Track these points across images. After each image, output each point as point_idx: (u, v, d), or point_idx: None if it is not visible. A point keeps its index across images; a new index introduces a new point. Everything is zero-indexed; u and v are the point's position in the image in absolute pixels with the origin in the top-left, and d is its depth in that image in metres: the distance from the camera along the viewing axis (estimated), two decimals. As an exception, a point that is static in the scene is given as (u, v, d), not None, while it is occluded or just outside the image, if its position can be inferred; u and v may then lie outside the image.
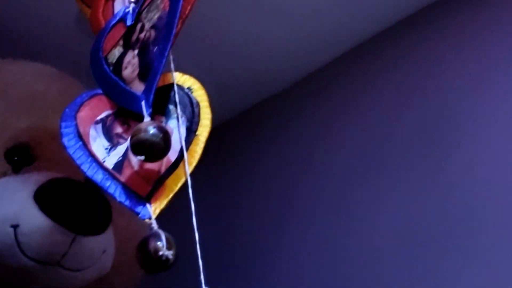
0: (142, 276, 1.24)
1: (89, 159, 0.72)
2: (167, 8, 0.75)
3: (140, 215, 0.68)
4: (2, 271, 1.04)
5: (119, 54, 0.79)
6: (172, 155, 0.70)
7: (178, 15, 0.72)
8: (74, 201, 0.97)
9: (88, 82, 0.87)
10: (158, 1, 0.77)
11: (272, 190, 1.65)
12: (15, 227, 0.98)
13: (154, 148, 0.66)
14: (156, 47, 0.74)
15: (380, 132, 1.47)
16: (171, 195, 0.69)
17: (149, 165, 0.71)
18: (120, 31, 0.82)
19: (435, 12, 1.46)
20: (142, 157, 0.67)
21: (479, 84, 1.34)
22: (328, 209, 1.52)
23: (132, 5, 0.83)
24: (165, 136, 0.67)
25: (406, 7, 1.50)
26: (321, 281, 1.49)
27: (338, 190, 1.52)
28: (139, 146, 0.66)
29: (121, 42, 0.80)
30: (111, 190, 0.71)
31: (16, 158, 1.06)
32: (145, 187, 0.69)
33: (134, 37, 0.78)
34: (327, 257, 1.49)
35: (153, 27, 0.76)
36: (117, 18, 0.85)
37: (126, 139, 0.74)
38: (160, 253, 0.62)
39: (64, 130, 0.74)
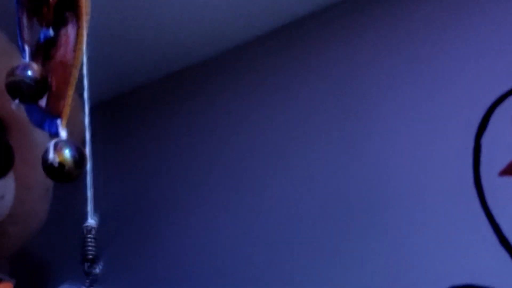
0: (37, 231, 1.21)
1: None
2: None
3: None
4: None
5: None
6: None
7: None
8: None
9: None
10: None
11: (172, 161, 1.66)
12: None
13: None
14: None
15: (295, 112, 1.48)
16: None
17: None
18: None
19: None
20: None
21: (399, 76, 1.35)
22: (229, 177, 1.54)
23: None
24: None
25: None
26: (217, 249, 1.51)
27: (240, 159, 1.53)
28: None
29: None
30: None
31: None
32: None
33: None
34: (224, 224, 1.51)
35: None
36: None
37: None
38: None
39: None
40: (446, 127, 1.25)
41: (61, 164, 0.58)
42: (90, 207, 0.64)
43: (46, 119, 0.65)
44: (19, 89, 0.62)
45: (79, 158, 0.60)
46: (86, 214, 0.66)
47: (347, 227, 1.32)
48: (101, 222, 1.44)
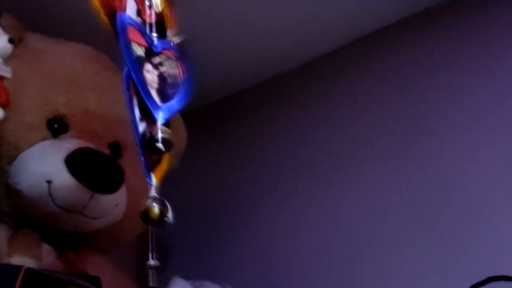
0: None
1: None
2: (181, 76, 0.84)
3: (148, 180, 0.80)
4: (38, 214, 1.21)
5: (141, 54, 0.82)
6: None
7: (187, 94, 0.81)
8: (93, 166, 1.16)
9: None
10: (173, 63, 0.84)
11: (261, 165, 1.69)
12: (49, 182, 1.16)
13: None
14: (173, 93, 0.82)
15: (367, 120, 1.53)
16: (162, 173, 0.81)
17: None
18: (140, 38, 0.84)
19: (430, 16, 1.50)
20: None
21: (461, 85, 1.40)
22: (311, 186, 1.57)
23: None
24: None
25: (405, 8, 1.52)
26: (299, 255, 1.54)
27: (323, 169, 1.57)
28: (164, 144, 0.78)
29: (143, 49, 0.83)
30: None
31: (55, 126, 1.23)
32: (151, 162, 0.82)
33: (155, 61, 0.84)
34: (307, 232, 1.54)
35: (170, 75, 0.83)
36: (138, 26, 0.85)
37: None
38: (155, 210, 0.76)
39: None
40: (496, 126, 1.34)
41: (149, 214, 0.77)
42: (152, 247, 0.79)
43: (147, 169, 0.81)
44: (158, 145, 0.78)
45: (162, 215, 0.77)
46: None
47: (414, 225, 1.39)
48: (191, 222, 1.52)
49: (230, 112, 1.81)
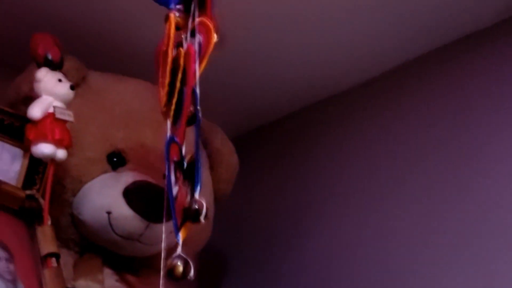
0: (207, 239, 1.45)
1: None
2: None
3: (176, 236, 0.82)
4: (100, 241, 1.29)
5: None
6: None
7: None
8: (148, 198, 1.23)
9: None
10: None
11: (310, 190, 1.70)
12: (109, 213, 1.24)
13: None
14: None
15: (415, 144, 1.53)
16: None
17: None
18: None
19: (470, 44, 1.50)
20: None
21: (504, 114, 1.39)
22: (363, 206, 1.58)
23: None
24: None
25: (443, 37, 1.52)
26: (352, 274, 1.54)
27: (374, 190, 1.57)
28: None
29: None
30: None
31: (114, 159, 1.31)
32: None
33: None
34: (358, 251, 1.55)
35: None
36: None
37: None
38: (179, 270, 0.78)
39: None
40: None
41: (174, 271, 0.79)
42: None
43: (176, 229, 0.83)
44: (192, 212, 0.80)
45: (185, 273, 0.79)
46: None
47: (461, 247, 1.38)
48: (246, 243, 1.57)
49: (281, 134, 1.84)
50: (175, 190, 0.82)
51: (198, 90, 0.81)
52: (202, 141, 1.49)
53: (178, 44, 0.86)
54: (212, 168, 1.50)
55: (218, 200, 1.51)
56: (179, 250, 0.79)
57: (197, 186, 0.78)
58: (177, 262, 0.78)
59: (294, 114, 1.82)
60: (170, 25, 0.85)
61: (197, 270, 1.59)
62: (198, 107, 0.82)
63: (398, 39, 1.55)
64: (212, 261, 1.78)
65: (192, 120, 0.83)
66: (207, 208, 0.77)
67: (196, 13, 0.86)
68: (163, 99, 0.84)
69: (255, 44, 1.56)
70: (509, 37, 1.45)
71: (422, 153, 1.52)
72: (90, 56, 1.44)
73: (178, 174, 0.82)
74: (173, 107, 0.83)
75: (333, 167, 1.69)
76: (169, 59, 0.84)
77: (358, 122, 1.68)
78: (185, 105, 0.81)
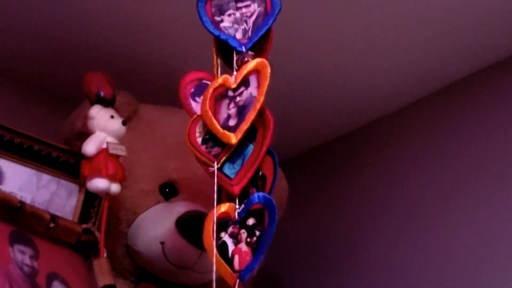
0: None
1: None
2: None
3: None
4: (155, 270, 1.31)
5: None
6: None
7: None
8: (200, 228, 1.24)
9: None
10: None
11: (361, 212, 1.71)
12: (162, 243, 1.26)
13: None
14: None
15: (460, 164, 1.55)
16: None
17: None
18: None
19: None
20: None
21: None
22: (405, 228, 1.60)
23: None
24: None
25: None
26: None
27: (417, 211, 1.59)
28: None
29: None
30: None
31: (167, 190, 1.33)
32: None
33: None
34: (405, 270, 1.57)
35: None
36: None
37: None
38: None
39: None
40: None
41: None
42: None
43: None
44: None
45: None
46: None
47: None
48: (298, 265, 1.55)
49: (330, 157, 1.84)
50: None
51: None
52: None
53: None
54: None
55: None
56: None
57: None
58: None
59: (342, 137, 1.83)
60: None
61: None
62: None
63: (444, 62, 1.57)
64: (266, 280, 1.78)
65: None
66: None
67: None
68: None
69: (302, 69, 1.58)
70: None
71: (471, 171, 1.53)
72: (142, 89, 1.48)
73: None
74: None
75: (383, 189, 1.69)
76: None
77: (406, 143, 1.69)
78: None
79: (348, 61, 1.57)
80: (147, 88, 1.53)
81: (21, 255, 1.11)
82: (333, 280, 1.71)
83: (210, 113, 0.95)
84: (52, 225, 1.18)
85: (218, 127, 0.93)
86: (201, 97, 1.01)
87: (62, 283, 1.15)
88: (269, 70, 0.90)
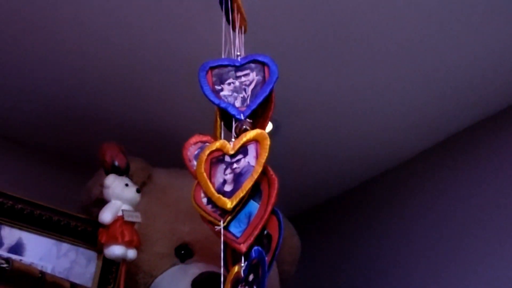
0: None
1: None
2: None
3: None
4: None
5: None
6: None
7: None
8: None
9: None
10: None
11: (369, 262, 1.71)
12: None
13: None
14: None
15: (459, 218, 1.55)
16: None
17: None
18: None
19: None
20: None
21: None
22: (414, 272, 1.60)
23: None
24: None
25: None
26: None
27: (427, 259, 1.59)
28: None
29: None
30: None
31: (182, 252, 1.35)
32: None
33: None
34: None
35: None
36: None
37: None
38: None
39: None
40: None
41: None
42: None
43: None
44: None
45: None
46: None
47: None
48: None
49: (338, 210, 1.86)
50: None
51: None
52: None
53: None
54: None
55: (283, 281, 1.51)
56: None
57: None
58: None
59: (348, 191, 1.85)
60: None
61: None
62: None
63: (440, 117, 1.59)
64: None
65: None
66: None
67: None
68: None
69: (304, 130, 1.61)
70: None
71: (470, 224, 1.55)
72: (155, 154, 1.51)
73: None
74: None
75: (388, 241, 1.71)
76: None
77: (407, 196, 1.70)
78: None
79: (353, 121, 1.60)
80: (158, 153, 1.54)
81: None
82: None
83: (205, 175, 0.95)
84: None
85: (213, 190, 0.93)
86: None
87: None
88: (268, 142, 0.90)
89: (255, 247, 0.88)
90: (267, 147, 0.90)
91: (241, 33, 1.02)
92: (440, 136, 1.66)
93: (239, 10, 1.02)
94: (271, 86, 0.99)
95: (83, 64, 1.40)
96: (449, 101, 1.53)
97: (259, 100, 0.98)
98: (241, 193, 0.90)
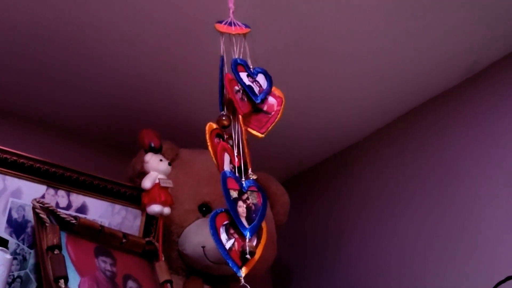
0: (274, 256, 1.48)
1: (219, 242, 0.87)
2: (260, 204, 0.89)
3: (237, 273, 0.84)
4: (199, 267, 1.34)
5: (235, 196, 0.90)
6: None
7: (263, 214, 0.87)
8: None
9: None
10: (255, 194, 0.90)
11: (348, 219, 1.69)
12: (203, 247, 1.31)
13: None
14: (255, 216, 0.88)
15: (411, 177, 1.54)
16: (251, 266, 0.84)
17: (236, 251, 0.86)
18: (235, 184, 0.91)
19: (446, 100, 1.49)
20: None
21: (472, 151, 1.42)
22: (378, 225, 1.60)
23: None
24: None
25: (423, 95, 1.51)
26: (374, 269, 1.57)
27: (383, 212, 1.59)
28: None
29: (236, 191, 0.91)
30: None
31: (203, 209, 1.36)
32: (238, 262, 0.86)
33: (244, 197, 0.91)
34: (377, 256, 1.58)
35: (253, 204, 0.90)
36: (233, 176, 0.92)
37: (234, 238, 0.87)
38: None
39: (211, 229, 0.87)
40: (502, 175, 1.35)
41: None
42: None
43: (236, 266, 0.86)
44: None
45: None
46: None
47: (445, 244, 1.40)
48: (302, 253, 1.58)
49: (320, 176, 1.83)
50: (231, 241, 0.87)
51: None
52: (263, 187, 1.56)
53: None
54: (271, 207, 1.52)
55: (278, 228, 1.53)
56: (242, 280, 0.84)
57: (245, 232, 0.86)
58: None
59: (325, 161, 1.81)
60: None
61: (271, 278, 1.65)
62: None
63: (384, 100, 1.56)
64: (281, 268, 1.81)
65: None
66: (253, 249, 0.84)
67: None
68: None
69: (296, 112, 1.57)
70: (476, 94, 1.47)
71: (412, 195, 1.55)
72: (181, 138, 1.50)
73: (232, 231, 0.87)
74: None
75: (361, 203, 1.70)
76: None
77: (369, 170, 1.68)
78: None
79: (328, 102, 1.56)
80: (184, 137, 1.53)
81: (103, 263, 1.16)
82: (329, 261, 1.71)
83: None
84: (124, 240, 1.23)
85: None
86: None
87: (134, 281, 1.19)
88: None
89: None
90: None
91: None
92: (394, 114, 1.63)
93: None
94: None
95: (139, 71, 1.40)
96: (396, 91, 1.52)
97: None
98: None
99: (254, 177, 0.90)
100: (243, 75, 0.97)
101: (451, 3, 1.26)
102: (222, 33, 0.95)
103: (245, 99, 0.94)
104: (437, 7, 1.27)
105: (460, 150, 1.46)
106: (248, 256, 0.83)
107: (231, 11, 0.94)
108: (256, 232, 0.88)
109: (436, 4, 1.26)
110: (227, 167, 0.92)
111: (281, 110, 0.94)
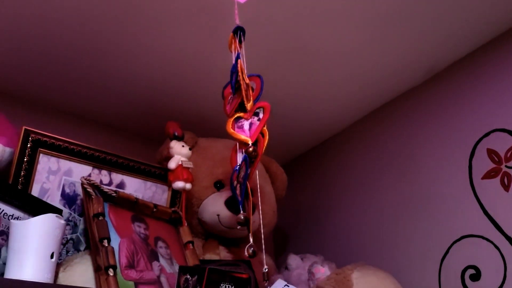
0: (275, 223, 1.45)
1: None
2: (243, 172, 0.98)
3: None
4: (215, 231, 1.32)
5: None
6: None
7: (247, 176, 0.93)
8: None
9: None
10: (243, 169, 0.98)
11: (334, 193, 1.65)
12: (218, 215, 1.28)
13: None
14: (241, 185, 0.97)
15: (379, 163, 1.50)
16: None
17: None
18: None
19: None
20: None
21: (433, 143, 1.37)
22: (358, 198, 1.56)
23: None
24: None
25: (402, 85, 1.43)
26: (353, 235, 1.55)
27: (363, 188, 1.55)
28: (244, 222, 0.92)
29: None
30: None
31: (218, 185, 1.33)
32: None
33: (241, 175, 1.00)
34: (355, 221, 1.55)
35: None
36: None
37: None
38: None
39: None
40: (454, 154, 1.32)
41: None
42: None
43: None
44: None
45: (254, 254, 0.91)
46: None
47: (406, 213, 1.37)
48: (296, 220, 1.54)
49: (315, 159, 1.79)
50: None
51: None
52: (265, 168, 1.52)
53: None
54: (273, 183, 1.50)
55: (278, 200, 1.50)
56: (251, 239, 0.88)
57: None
58: (250, 248, 0.89)
59: (318, 146, 1.77)
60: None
61: (272, 240, 1.64)
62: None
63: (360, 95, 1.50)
64: (281, 232, 1.78)
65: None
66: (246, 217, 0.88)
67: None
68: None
69: (296, 104, 1.51)
70: (436, 95, 1.42)
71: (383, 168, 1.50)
72: (199, 129, 1.47)
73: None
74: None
75: (343, 181, 1.66)
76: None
77: (353, 155, 1.63)
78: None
79: (312, 99, 1.50)
80: (201, 128, 1.50)
81: (138, 228, 1.14)
82: (319, 226, 1.69)
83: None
84: (155, 210, 1.21)
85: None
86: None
87: (163, 242, 1.17)
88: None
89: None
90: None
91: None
92: (364, 110, 1.57)
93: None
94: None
95: (164, 77, 1.36)
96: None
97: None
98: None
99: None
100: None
101: (408, 15, 1.23)
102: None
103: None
104: (396, 17, 1.23)
105: (422, 137, 1.43)
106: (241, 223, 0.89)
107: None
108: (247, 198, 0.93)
109: (395, 15, 1.22)
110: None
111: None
